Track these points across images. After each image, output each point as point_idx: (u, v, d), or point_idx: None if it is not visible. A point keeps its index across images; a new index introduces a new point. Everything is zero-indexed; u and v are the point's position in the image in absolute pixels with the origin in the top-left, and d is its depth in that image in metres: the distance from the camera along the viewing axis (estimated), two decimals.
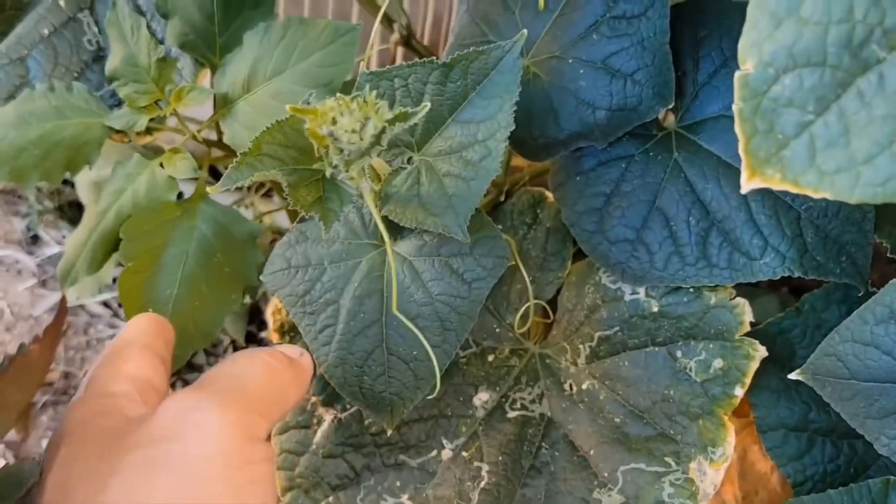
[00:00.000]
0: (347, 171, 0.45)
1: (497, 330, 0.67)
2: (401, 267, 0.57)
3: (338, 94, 0.43)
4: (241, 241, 0.61)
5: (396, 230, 0.57)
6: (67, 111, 0.61)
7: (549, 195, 0.68)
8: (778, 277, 0.56)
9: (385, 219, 0.55)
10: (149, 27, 0.63)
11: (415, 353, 0.57)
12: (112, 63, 0.61)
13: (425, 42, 0.95)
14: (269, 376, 0.45)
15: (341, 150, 0.45)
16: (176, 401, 0.40)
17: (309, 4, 0.95)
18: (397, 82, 0.53)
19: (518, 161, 0.76)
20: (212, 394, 0.40)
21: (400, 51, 0.94)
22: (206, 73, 0.66)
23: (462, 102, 0.53)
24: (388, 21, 0.83)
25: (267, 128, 0.48)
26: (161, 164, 0.59)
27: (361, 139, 0.43)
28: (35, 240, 1.11)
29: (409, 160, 0.54)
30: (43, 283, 1.07)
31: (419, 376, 0.57)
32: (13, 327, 1.04)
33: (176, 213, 0.60)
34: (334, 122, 0.43)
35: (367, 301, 0.57)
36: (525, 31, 0.52)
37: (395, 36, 0.83)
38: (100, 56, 0.68)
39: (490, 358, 0.66)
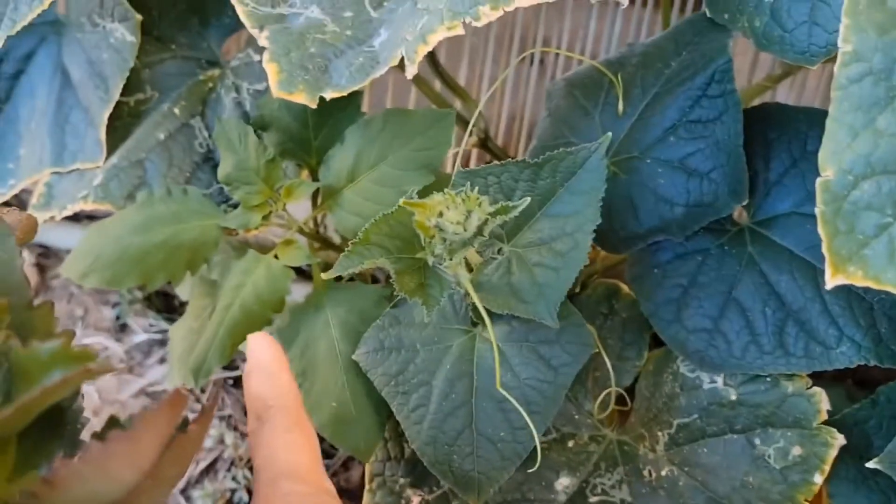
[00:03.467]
0: (451, 259, 0.50)
1: (576, 416, 0.69)
2: (490, 352, 0.60)
3: (445, 190, 0.48)
4: (374, 306, 0.65)
5: (487, 316, 0.61)
6: (185, 214, 0.66)
7: (624, 287, 0.71)
8: (854, 366, 0.58)
9: (476, 305, 0.59)
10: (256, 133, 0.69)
11: (502, 433, 0.60)
12: (223, 169, 0.67)
13: (499, 142, 1.01)
14: None
15: (445, 241, 0.49)
16: None
17: (391, 105, 1.01)
18: (490, 179, 0.58)
19: (591, 254, 0.80)
20: None
21: (474, 151, 1.00)
22: (305, 171, 0.71)
23: (551, 198, 0.57)
24: (463, 123, 0.88)
25: (374, 220, 0.53)
26: (276, 256, 0.64)
27: (465, 230, 0.48)
28: (123, 328, 1.17)
29: (500, 251, 0.59)
30: (130, 370, 1.12)
31: (505, 456, 0.60)
32: (100, 411, 1.09)
33: (307, 306, 0.65)
34: (441, 214, 0.48)
35: (457, 383, 0.60)
36: (610, 133, 0.56)
37: (473, 138, 0.88)
38: (209, 157, 0.74)
39: (570, 444, 0.68)
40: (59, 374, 0.28)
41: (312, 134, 0.69)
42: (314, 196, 0.69)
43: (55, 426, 0.32)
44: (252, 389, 0.45)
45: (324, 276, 0.51)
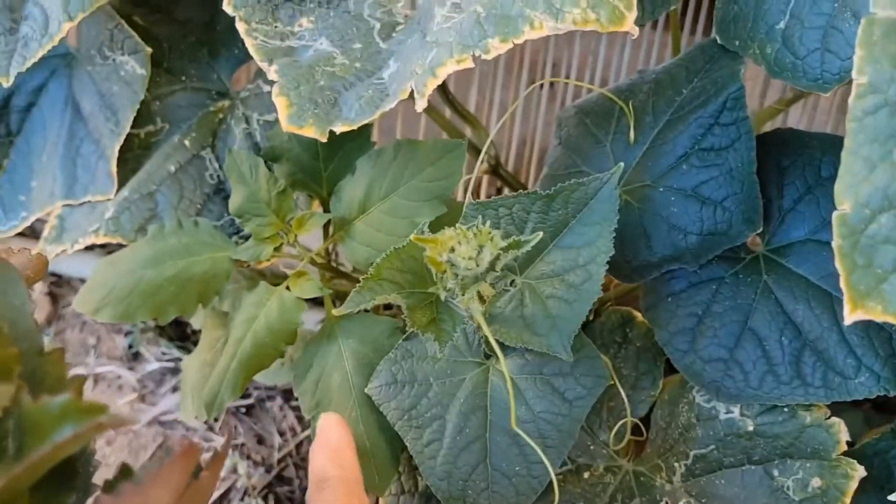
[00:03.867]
0: (463, 294, 0.49)
1: (591, 447, 0.68)
2: (503, 385, 0.60)
3: (457, 225, 0.48)
4: (387, 338, 0.64)
5: (499, 349, 0.60)
6: (196, 247, 0.66)
7: (638, 315, 0.70)
8: (874, 396, 0.58)
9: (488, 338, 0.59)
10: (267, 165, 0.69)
11: (517, 468, 0.59)
12: (234, 201, 0.67)
13: (510, 168, 1.01)
14: None
15: (457, 275, 0.49)
16: None
17: (401, 134, 1.02)
18: (502, 211, 0.57)
19: (604, 282, 0.79)
20: None
21: (484, 177, 1.00)
22: (316, 202, 0.71)
23: (563, 229, 0.57)
24: (474, 150, 0.88)
25: (386, 255, 0.53)
26: (287, 288, 0.64)
27: (478, 265, 0.47)
28: (136, 356, 1.17)
29: (513, 283, 0.58)
30: (142, 398, 1.12)
31: (520, 492, 0.59)
32: (113, 441, 1.08)
33: (320, 337, 0.64)
34: (453, 250, 0.47)
35: (471, 417, 0.59)
36: (622, 163, 0.56)
37: (483, 165, 0.88)
38: (220, 189, 0.74)
39: (585, 475, 0.68)
40: (70, 430, 0.28)
41: (323, 165, 0.69)
42: (325, 226, 0.69)
43: (67, 478, 0.32)
44: (315, 464, 0.49)
45: (335, 312, 0.50)
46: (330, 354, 0.64)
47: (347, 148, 0.69)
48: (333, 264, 0.71)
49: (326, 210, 0.69)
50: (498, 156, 0.88)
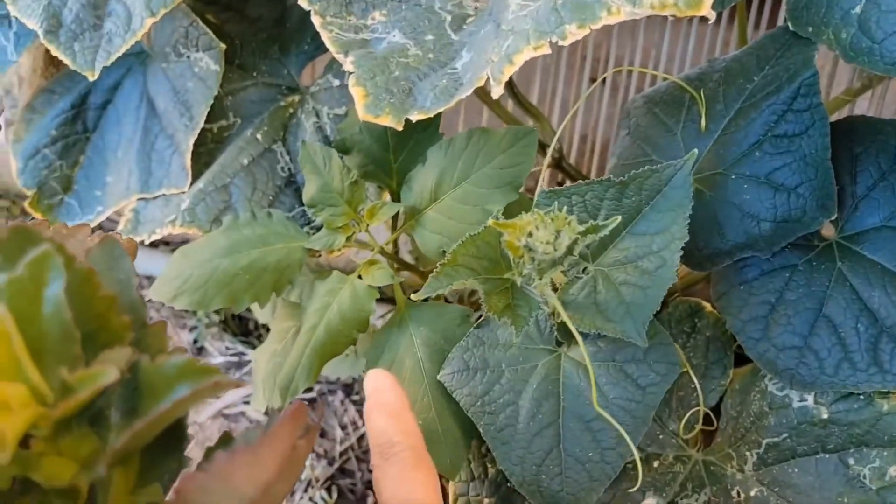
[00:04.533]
0: (540, 279, 0.50)
1: (660, 436, 0.68)
2: (576, 371, 0.60)
3: (533, 210, 0.48)
4: (457, 326, 0.65)
5: (571, 336, 0.61)
6: (271, 237, 0.68)
7: (706, 305, 0.70)
8: None
9: (562, 325, 0.59)
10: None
11: (590, 454, 0.59)
12: (308, 192, 0.68)
13: (571, 161, 1.01)
14: None
15: (534, 260, 0.49)
16: None
17: (462, 127, 1.02)
18: (574, 199, 0.58)
19: None
20: None
21: (546, 171, 1.00)
22: (386, 193, 0.72)
23: (636, 216, 0.57)
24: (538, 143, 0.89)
25: (461, 241, 0.53)
26: (359, 276, 0.65)
27: (555, 250, 0.48)
28: (201, 351, 1.19)
29: (585, 270, 0.58)
30: None
31: (594, 477, 0.60)
32: None
33: (391, 326, 0.65)
34: (531, 234, 0.48)
35: (544, 403, 0.60)
36: (695, 150, 0.56)
37: (548, 158, 0.88)
38: (291, 181, 0.75)
39: (655, 464, 0.68)
40: (187, 389, 0.29)
41: (393, 156, 0.70)
42: (393, 219, 0.70)
43: (175, 440, 0.32)
44: (375, 426, 0.46)
45: (413, 297, 0.51)
46: (401, 342, 0.65)
47: (417, 139, 0.70)
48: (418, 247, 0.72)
49: (396, 201, 0.70)
50: (561, 148, 0.88)
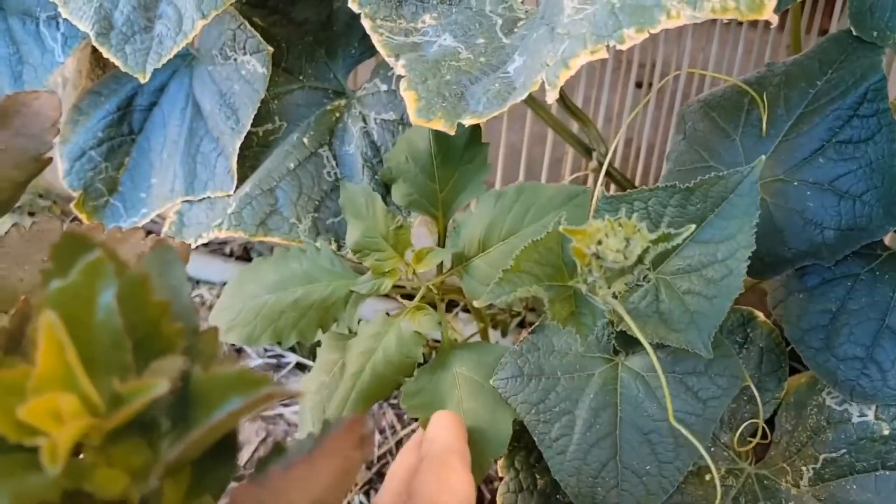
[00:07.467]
0: (609, 288, 0.49)
1: (712, 449, 0.67)
2: (634, 382, 0.59)
3: (606, 217, 0.47)
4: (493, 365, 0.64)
5: (628, 345, 0.59)
6: (316, 273, 0.67)
7: (759, 314, 0.68)
8: None
9: (620, 334, 0.58)
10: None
11: (647, 467, 0.58)
12: (352, 236, 0.68)
13: (615, 166, 0.99)
14: None
15: (602, 268, 0.48)
16: None
17: (504, 142, 1.01)
18: (636, 205, 0.56)
19: None
20: None
21: (590, 177, 0.99)
22: (420, 218, 0.72)
23: (701, 224, 0.56)
24: (583, 148, 0.88)
25: (524, 247, 0.52)
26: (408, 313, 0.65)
27: (625, 258, 0.47)
28: (239, 352, 1.18)
29: (646, 278, 0.57)
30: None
31: (651, 491, 0.58)
32: None
33: (435, 367, 0.65)
34: (600, 242, 0.47)
35: (601, 413, 0.59)
36: (762, 156, 0.55)
37: (594, 163, 0.87)
38: (337, 186, 0.75)
39: (707, 477, 0.66)
40: (240, 400, 0.28)
41: (439, 186, 0.69)
42: (451, 257, 0.69)
43: (227, 450, 0.32)
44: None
45: (476, 303, 0.50)
46: (444, 382, 0.65)
47: (463, 170, 0.69)
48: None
49: (440, 228, 0.70)
50: (608, 153, 0.87)
